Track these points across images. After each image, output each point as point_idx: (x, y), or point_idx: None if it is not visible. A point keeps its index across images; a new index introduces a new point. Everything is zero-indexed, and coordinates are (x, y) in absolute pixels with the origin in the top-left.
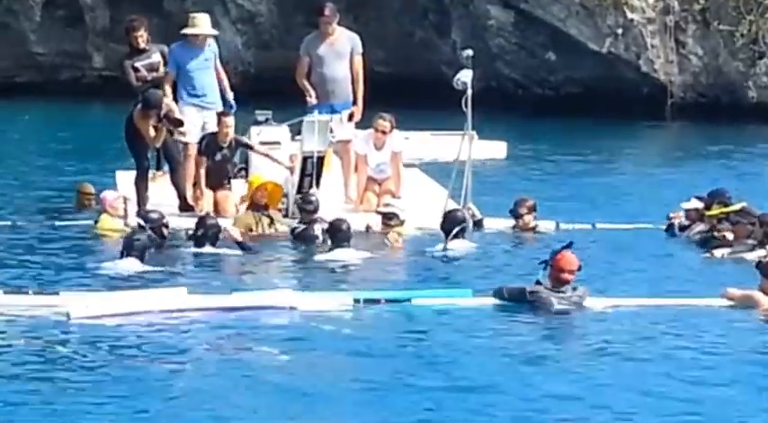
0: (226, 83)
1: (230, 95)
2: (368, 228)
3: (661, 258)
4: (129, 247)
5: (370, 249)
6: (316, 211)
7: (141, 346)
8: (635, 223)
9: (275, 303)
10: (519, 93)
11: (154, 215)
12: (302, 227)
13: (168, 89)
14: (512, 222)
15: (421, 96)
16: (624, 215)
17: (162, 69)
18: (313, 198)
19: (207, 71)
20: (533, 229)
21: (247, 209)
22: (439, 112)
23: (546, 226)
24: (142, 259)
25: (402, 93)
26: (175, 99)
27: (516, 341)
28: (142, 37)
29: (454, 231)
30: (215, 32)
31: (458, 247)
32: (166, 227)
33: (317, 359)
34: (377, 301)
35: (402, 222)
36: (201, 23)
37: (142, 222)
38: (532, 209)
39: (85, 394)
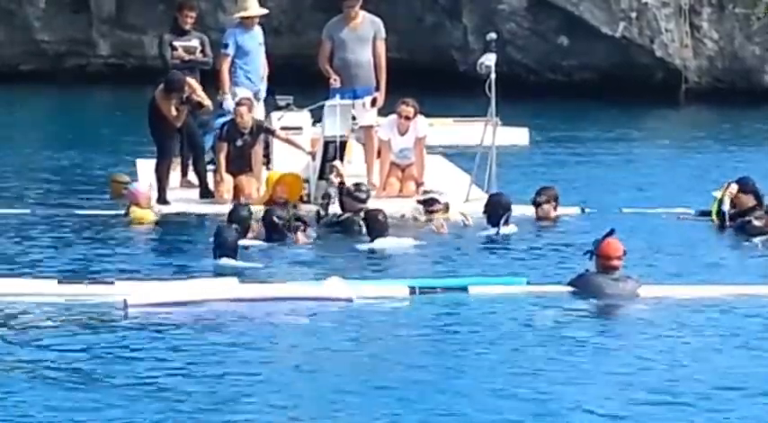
0: (266, 72)
1: (264, 86)
2: (402, 216)
3: (696, 244)
4: (224, 247)
5: (409, 237)
6: (366, 201)
7: (194, 335)
8: (660, 208)
9: (330, 294)
10: (531, 78)
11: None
12: (346, 215)
13: (225, 72)
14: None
15: (429, 82)
16: (648, 201)
17: (198, 55)
18: (365, 187)
19: (260, 55)
20: (554, 219)
21: (266, 204)
22: (447, 98)
23: (571, 212)
24: (235, 256)
25: (410, 78)
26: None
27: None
28: (192, 18)
29: (504, 217)
30: (265, 11)
31: (509, 231)
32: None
33: (377, 348)
34: (432, 290)
35: (446, 207)
36: (252, 5)
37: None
38: (553, 198)
39: (131, 383)
